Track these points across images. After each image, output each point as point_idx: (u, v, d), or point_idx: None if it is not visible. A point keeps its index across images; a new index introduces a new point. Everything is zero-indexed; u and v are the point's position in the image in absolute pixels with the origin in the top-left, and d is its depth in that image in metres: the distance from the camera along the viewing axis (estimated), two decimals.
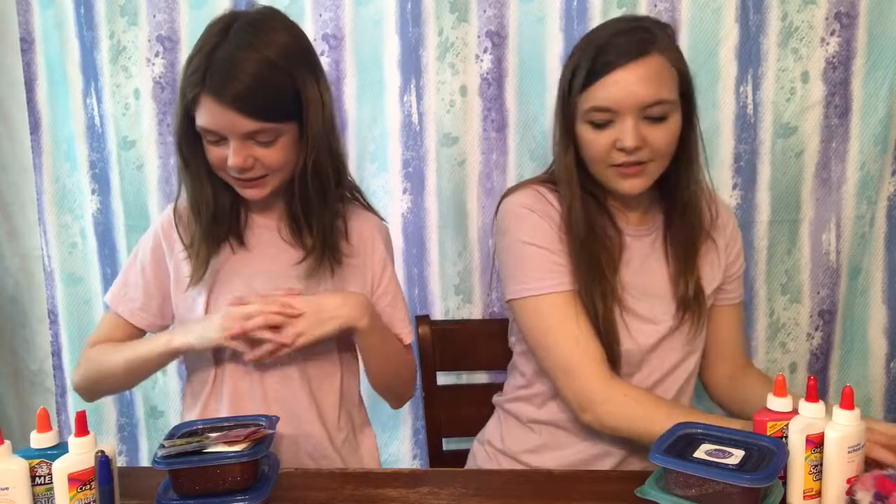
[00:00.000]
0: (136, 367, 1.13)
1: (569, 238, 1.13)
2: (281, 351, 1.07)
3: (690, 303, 1.16)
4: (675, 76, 1.10)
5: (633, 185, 1.11)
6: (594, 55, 1.08)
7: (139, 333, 1.20)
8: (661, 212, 1.21)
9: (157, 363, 1.13)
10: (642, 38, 1.08)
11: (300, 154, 1.08)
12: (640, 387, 1.14)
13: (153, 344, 1.11)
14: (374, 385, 1.22)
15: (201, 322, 1.11)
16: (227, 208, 1.14)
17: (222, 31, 1.03)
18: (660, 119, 1.08)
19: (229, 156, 1.04)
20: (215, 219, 1.13)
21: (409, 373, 1.25)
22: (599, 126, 1.09)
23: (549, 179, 1.20)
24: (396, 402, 1.29)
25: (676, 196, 1.17)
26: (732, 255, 1.24)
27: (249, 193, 1.09)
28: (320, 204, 1.11)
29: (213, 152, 1.07)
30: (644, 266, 1.18)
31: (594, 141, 1.10)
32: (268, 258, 1.16)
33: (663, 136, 1.09)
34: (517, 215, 1.15)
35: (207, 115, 1.03)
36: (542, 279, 1.12)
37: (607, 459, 1.15)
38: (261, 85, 1.01)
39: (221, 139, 1.05)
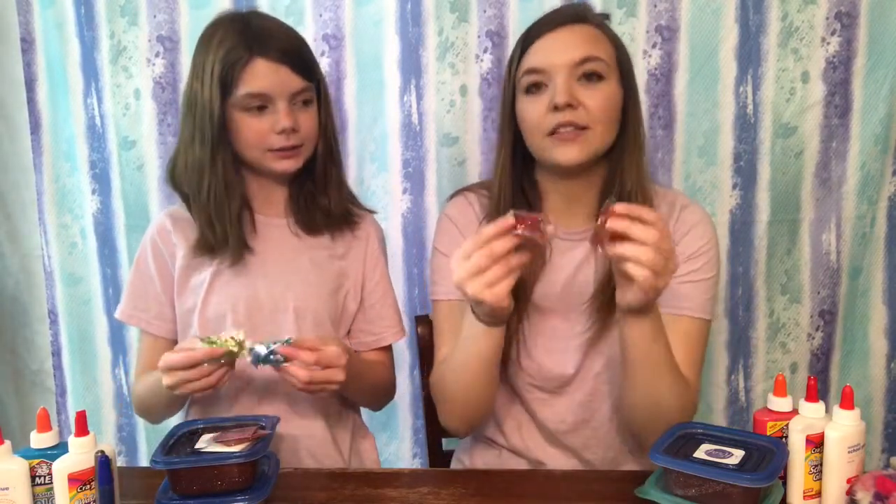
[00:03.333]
0: (166, 401, 1.12)
1: None
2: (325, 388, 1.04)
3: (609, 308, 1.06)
4: (611, 48, 1.08)
5: (569, 152, 1.04)
6: (528, 30, 1.09)
7: (169, 345, 1.15)
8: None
9: (174, 397, 1.08)
10: (575, 10, 1.09)
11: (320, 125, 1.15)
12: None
13: (159, 383, 1.04)
14: (353, 401, 1.26)
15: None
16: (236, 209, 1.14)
17: (238, 18, 1.11)
18: (595, 80, 1.05)
19: (280, 118, 1.07)
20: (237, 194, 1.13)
21: (387, 385, 1.26)
22: (533, 92, 1.06)
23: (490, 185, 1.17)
24: (376, 408, 1.30)
25: (619, 182, 1.08)
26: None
27: (285, 164, 1.11)
28: (339, 166, 1.19)
29: (253, 126, 1.08)
30: (575, 275, 1.11)
31: (530, 109, 1.07)
32: (276, 256, 1.16)
33: (600, 97, 1.04)
34: (440, 222, 1.20)
35: (259, 77, 1.06)
36: (440, 284, 1.16)
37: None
38: (299, 43, 1.12)
39: (265, 107, 1.08)
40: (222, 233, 1.12)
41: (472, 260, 0.90)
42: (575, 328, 1.12)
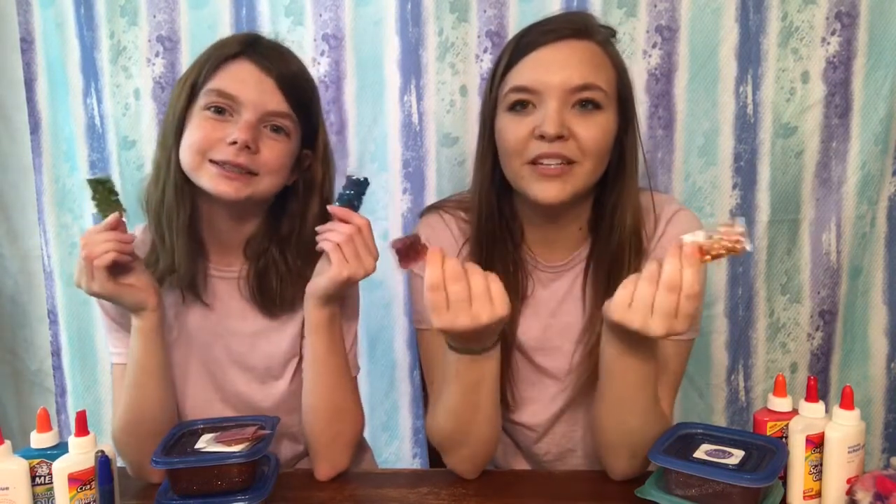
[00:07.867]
0: (137, 374, 1.00)
1: None
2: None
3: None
4: (613, 73, 0.96)
5: (551, 189, 0.92)
6: (519, 38, 0.97)
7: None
8: (589, 242, 1.03)
9: (144, 349, 0.99)
10: (582, 22, 0.96)
11: (292, 175, 1.03)
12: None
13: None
14: (307, 420, 1.03)
15: None
16: (189, 261, 1.02)
17: (250, 35, 1.03)
18: (591, 109, 0.93)
19: (235, 130, 0.94)
20: (192, 223, 1.01)
21: (352, 419, 1.05)
22: (519, 111, 0.94)
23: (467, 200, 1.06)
24: (326, 464, 1.03)
25: (603, 217, 0.99)
26: None
27: (224, 186, 0.95)
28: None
29: (206, 127, 0.95)
30: (557, 312, 1.04)
31: (511, 129, 0.94)
32: (231, 312, 1.07)
33: (594, 130, 0.93)
34: None
35: (237, 78, 0.95)
36: (422, 312, 1.05)
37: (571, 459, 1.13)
38: (303, 76, 1.02)
39: (228, 112, 0.96)
40: (169, 250, 1.00)
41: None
42: (561, 368, 1.06)
